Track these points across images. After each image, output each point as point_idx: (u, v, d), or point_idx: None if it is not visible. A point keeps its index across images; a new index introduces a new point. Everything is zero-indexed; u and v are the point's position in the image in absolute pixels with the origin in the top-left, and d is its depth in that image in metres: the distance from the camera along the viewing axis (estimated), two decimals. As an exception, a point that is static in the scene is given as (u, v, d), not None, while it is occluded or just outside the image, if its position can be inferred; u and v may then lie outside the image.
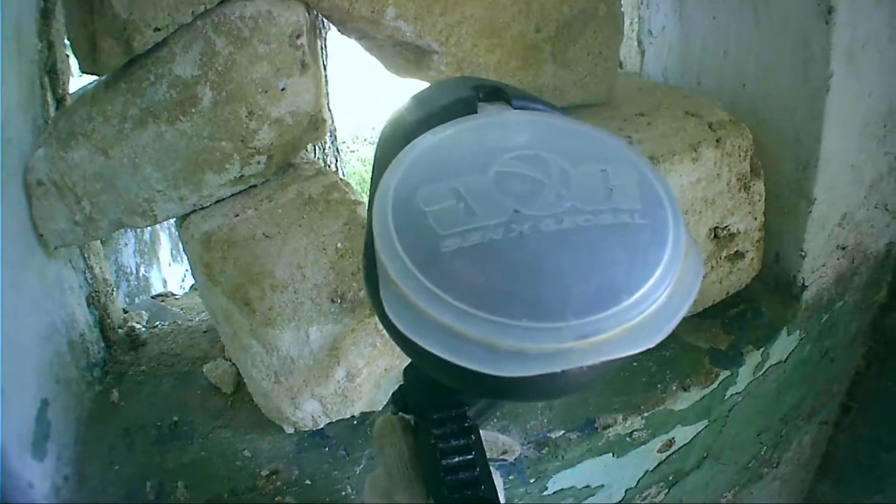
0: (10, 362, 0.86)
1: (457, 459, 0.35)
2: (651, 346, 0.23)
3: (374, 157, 0.36)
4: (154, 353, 1.12)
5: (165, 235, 1.69)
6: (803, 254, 1.13)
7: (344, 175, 2.46)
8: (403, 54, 1.02)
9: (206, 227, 0.96)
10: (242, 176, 0.98)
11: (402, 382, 0.46)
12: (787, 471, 1.44)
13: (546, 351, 0.22)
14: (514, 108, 0.33)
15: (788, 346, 1.18)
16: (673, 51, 1.25)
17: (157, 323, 1.20)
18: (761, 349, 1.12)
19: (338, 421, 0.98)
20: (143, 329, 1.17)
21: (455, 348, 0.22)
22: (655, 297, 0.23)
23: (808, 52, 1.05)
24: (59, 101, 1.11)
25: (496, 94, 0.35)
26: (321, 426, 0.96)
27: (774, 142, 1.11)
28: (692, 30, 1.20)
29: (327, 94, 1.04)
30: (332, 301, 0.89)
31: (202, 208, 1.00)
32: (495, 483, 0.36)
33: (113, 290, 1.16)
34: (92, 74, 0.95)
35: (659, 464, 1.14)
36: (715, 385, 1.09)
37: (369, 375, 0.94)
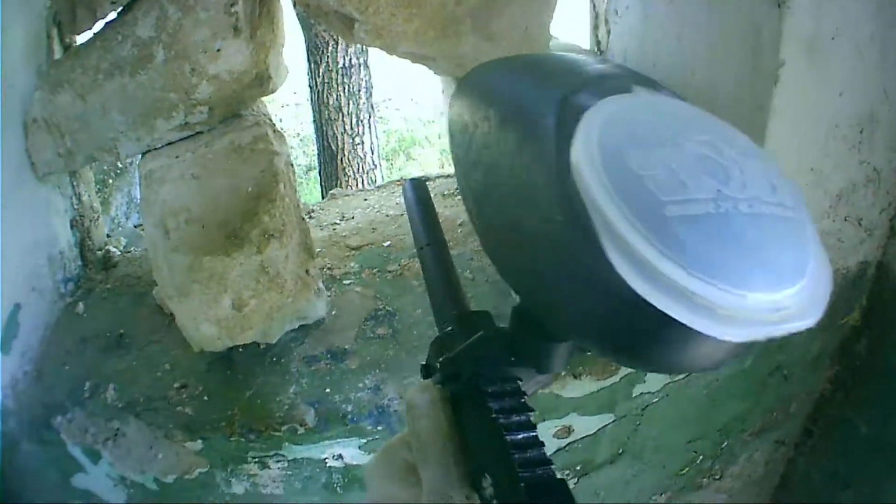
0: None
1: (522, 436, 0.33)
2: (815, 321, 0.26)
3: (473, 118, 0.36)
4: (121, 275, 1.29)
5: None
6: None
7: (375, 133, 2.49)
8: (339, 21, 1.08)
9: (151, 165, 1.10)
10: (187, 123, 1.11)
11: (441, 351, 0.42)
12: (735, 485, 1.37)
13: (754, 319, 0.24)
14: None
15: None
16: (634, 32, 1.20)
17: (132, 248, 1.37)
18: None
19: (247, 347, 1.09)
20: (118, 253, 1.34)
21: (687, 307, 0.24)
22: (816, 280, 0.27)
23: (758, 40, 0.99)
24: (66, 49, 1.29)
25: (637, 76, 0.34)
26: (222, 349, 1.07)
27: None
28: (652, 11, 1.15)
29: (280, 54, 1.13)
30: (228, 238, 0.99)
31: (155, 149, 1.14)
32: None
33: (98, 217, 1.34)
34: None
35: (559, 449, 1.14)
36: (615, 379, 1.07)
37: (258, 308, 1.03)
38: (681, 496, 1.33)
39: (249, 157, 1.06)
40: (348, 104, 2.18)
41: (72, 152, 1.15)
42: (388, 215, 1.39)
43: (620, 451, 1.20)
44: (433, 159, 2.83)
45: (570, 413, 1.09)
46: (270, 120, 1.17)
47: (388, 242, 1.29)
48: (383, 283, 1.20)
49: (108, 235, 1.38)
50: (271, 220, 1.01)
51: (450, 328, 0.43)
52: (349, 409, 1.03)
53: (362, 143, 2.10)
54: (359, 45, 2.09)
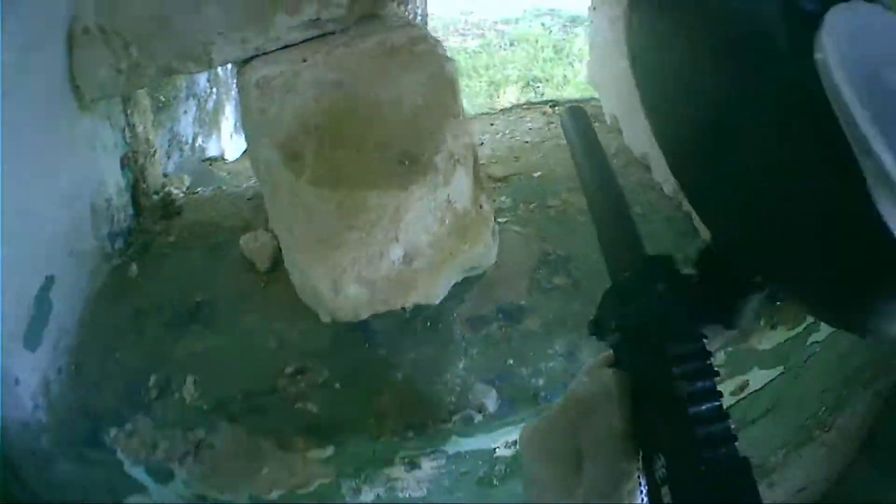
0: (17, 233, 0.74)
1: (705, 407, 0.30)
2: None
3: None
4: (188, 222, 1.00)
5: (231, 106, 1.57)
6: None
7: None
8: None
9: (265, 70, 0.84)
10: (318, 19, 0.86)
11: (616, 304, 0.38)
12: (834, 438, 1.35)
13: None
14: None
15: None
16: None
17: (199, 189, 1.07)
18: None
19: (385, 314, 0.82)
20: (182, 195, 1.04)
21: None
22: None
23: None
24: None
25: None
26: (364, 317, 0.81)
27: None
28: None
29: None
30: (400, 163, 0.77)
31: (265, 53, 0.87)
32: None
33: (155, 152, 1.04)
34: None
35: (729, 407, 1.04)
36: (800, 329, 0.99)
37: (432, 259, 0.82)
38: (795, 451, 1.29)
39: (410, 62, 0.83)
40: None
41: (139, 65, 0.86)
42: (526, 142, 1.18)
43: (771, 406, 1.13)
44: (482, 91, 2.60)
45: (753, 367, 1.00)
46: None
47: (539, 172, 1.09)
48: (545, 220, 1.00)
49: (164, 175, 1.07)
50: (455, 141, 0.81)
51: (625, 275, 0.38)
52: (540, 383, 0.83)
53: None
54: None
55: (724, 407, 0.30)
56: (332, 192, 0.77)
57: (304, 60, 0.84)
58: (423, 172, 0.77)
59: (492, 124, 1.30)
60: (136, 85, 0.89)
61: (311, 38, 0.87)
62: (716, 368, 0.32)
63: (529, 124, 1.28)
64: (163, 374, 0.83)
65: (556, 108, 1.31)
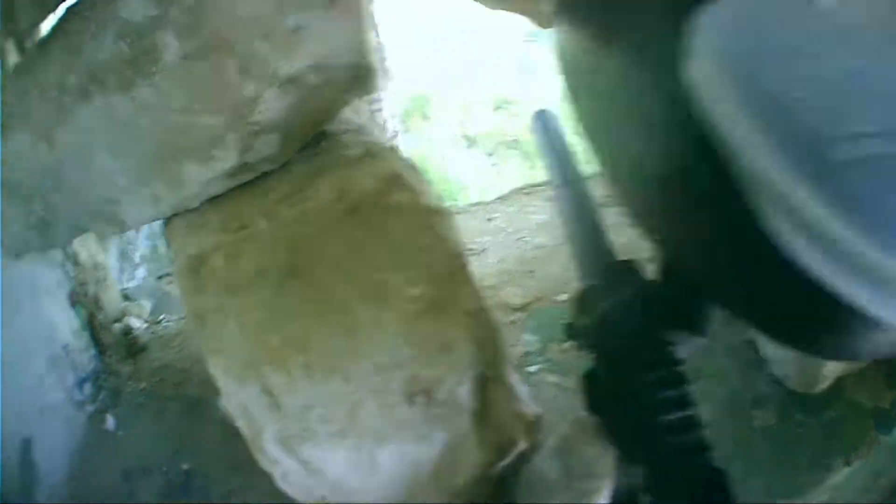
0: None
1: (676, 416, 0.28)
2: None
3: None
4: (156, 365, 0.86)
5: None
6: None
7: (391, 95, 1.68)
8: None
9: (193, 246, 0.62)
10: (246, 164, 0.61)
11: (585, 307, 0.36)
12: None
13: None
14: None
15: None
16: None
17: (162, 316, 0.91)
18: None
19: None
20: (144, 326, 0.89)
21: (874, 288, 0.19)
22: None
23: None
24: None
25: None
26: None
27: None
28: None
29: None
30: (410, 402, 0.57)
31: (189, 210, 0.65)
32: None
33: (106, 276, 0.87)
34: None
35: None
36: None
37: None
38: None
39: (386, 227, 0.59)
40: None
41: (48, 223, 0.69)
42: (538, 245, 0.96)
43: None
44: (453, 118, 2.33)
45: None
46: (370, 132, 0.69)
47: (563, 295, 0.87)
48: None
49: (125, 297, 0.91)
50: (485, 349, 0.58)
51: (594, 281, 0.36)
52: None
53: (381, 109, 1.47)
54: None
55: (697, 415, 0.28)
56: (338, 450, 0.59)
57: (243, 228, 0.62)
58: (444, 415, 0.55)
59: (490, 220, 1.05)
60: (51, 244, 0.72)
61: (248, 183, 0.63)
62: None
63: (535, 216, 1.04)
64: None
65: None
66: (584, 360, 0.36)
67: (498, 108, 2.41)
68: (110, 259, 0.98)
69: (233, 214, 0.63)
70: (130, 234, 1.03)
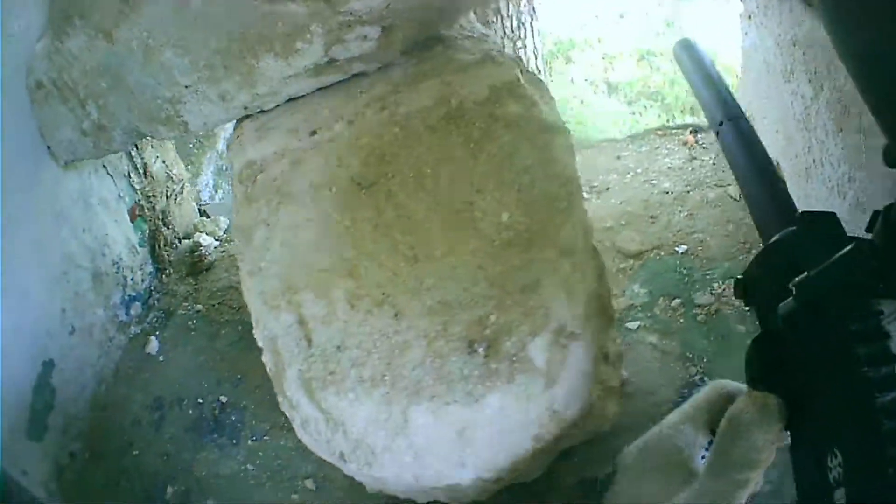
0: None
1: (892, 397, 0.24)
2: None
3: None
4: (218, 286, 0.80)
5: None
6: None
7: (538, 36, 1.55)
8: None
9: (255, 150, 0.54)
10: (334, 60, 0.51)
11: (770, 266, 0.31)
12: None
13: None
14: None
15: None
16: None
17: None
18: None
19: None
20: (214, 245, 0.83)
21: None
22: None
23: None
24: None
25: None
26: None
27: None
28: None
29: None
30: (470, 351, 0.45)
31: (263, 112, 0.56)
32: None
33: (181, 189, 0.83)
34: None
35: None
36: None
37: (516, 474, 0.52)
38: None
39: (491, 139, 0.50)
40: (507, 5, 1.53)
41: (102, 127, 0.65)
42: (665, 191, 0.85)
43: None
44: (597, 64, 2.36)
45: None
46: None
47: (684, 246, 0.77)
48: (691, 328, 0.70)
49: (202, 213, 0.86)
50: (569, 305, 0.46)
51: (782, 236, 0.32)
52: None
53: (524, 47, 1.48)
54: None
55: None
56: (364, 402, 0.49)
57: (313, 133, 0.52)
58: (506, 373, 0.45)
59: (619, 157, 0.95)
60: (105, 149, 0.67)
61: (332, 84, 0.53)
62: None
63: (667, 160, 0.92)
64: (182, 486, 0.71)
65: (699, 135, 0.94)
66: (752, 325, 0.29)
67: (641, 58, 2.40)
68: (206, 176, 0.94)
69: (308, 118, 0.54)
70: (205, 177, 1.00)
